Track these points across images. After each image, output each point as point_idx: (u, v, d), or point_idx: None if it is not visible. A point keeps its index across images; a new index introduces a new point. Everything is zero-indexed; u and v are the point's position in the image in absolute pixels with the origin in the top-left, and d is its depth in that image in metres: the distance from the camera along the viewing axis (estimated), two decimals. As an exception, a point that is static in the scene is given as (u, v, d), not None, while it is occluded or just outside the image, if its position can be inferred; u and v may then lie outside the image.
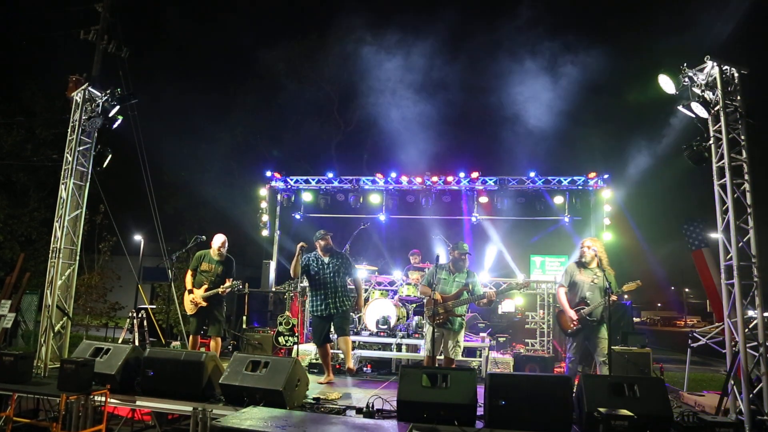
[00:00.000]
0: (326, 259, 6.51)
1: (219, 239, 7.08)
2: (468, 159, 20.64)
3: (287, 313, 9.03)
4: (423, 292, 6.41)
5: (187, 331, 7.46)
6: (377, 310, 8.41)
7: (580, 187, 10.30)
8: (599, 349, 5.80)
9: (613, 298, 5.63)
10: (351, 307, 6.60)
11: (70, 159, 6.85)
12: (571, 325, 5.95)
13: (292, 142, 23.67)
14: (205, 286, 6.88)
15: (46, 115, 16.89)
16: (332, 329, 6.54)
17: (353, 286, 7.10)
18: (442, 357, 6.14)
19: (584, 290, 5.96)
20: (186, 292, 6.98)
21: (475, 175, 10.47)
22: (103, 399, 5.17)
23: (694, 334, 7.37)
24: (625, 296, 5.72)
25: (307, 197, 11.50)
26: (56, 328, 6.61)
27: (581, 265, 6.09)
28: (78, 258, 7.03)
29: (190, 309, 6.93)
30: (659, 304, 67.56)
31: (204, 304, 6.84)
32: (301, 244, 6.40)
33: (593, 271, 6.00)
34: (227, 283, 6.90)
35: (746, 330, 5.04)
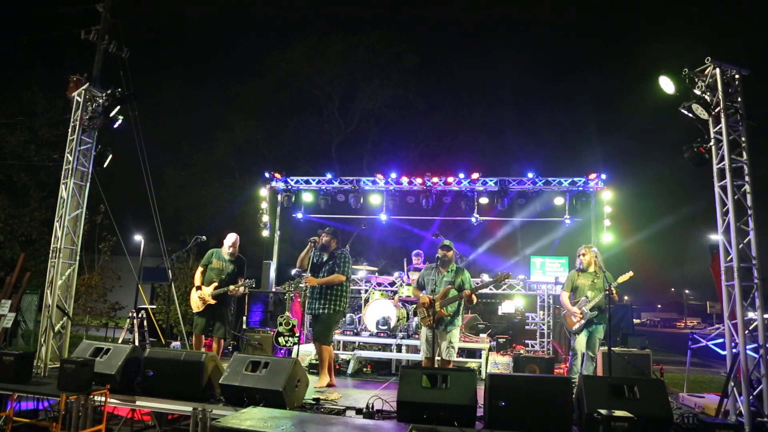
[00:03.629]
0: (324, 257, 6.45)
1: (231, 238, 6.98)
2: (468, 160, 20.72)
3: (287, 313, 9.02)
4: (414, 294, 6.61)
5: (191, 331, 7.30)
6: (377, 310, 8.39)
7: (580, 189, 10.29)
8: (591, 346, 6.31)
9: (613, 291, 6.18)
10: (337, 312, 6.32)
11: (70, 159, 6.86)
12: (575, 320, 6.39)
13: (292, 142, 23.68)
14: (215, 284, 6.74)
15: (47, 115, 16.88)
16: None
17: (352, 287, 6.98)
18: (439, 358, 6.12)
19: (585, 291, 6.44)
20: (194, 289, 6.84)
21: (475, 176, 10.46)
22: (103, 399, 5.17)
23: (695, 335, 7.37)
24: (615, 289, 6.21)
25: (307, 198, 11.50)
26: (56, 328, 6.60)
27: (580, 270, 6.61)
28: (78, 258, 7.03)
29: (197, 306, 6.77)
30: (659, 306, 67.66)
31: (212, 301, 6.70)
32: (312, 239, 6.37)
33: (592, 274, 6.49)
34: (239, 283, 6.82)
35: (746, 332, 5.04)
